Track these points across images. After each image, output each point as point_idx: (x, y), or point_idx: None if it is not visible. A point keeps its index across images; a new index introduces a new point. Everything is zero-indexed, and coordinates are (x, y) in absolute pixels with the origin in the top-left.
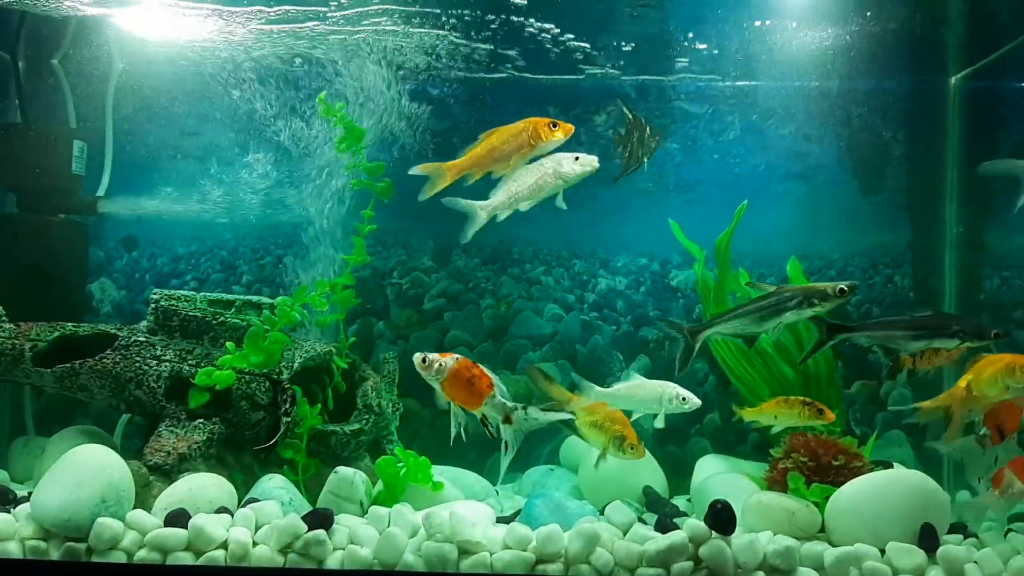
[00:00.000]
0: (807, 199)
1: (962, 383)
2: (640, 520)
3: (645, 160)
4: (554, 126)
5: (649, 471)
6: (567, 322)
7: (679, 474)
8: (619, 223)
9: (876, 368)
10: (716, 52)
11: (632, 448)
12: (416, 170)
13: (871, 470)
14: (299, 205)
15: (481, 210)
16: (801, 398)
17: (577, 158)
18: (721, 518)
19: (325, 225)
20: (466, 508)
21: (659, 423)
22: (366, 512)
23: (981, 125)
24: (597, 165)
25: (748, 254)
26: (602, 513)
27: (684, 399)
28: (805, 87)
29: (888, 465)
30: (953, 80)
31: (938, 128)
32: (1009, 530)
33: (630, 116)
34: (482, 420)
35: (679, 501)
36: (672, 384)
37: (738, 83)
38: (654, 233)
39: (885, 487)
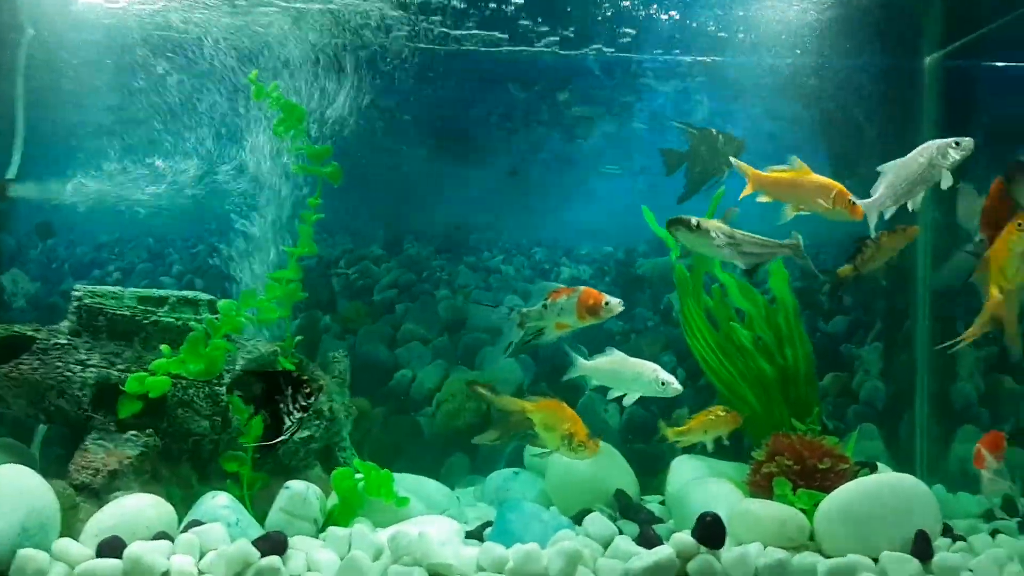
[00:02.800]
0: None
1: (992, 290)
2: (616, 528)
3: (725, 169)
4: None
5: (619, 471)
6: None
7: (648, 471)
8: (583, 209)
9: (848, 360)
10: (686, 28)
11: (582, 446)
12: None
13: (857, 472)
14: (236, 188)
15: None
16: (719, 408)
17: (957, 143)
18: (711, 532)
19: (267, 211)
20: (432, 524)
21: (629, 400)
22: (322, 530)
23: (957, 105)
24: (973, 146)
25: None
26: (578, 523)
27: (664, 383)
28: (777, 65)
29: (872, 466)
30: (928, 60)
31: (913, 108)
32: (995, 530)
33: (694, 131)
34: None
35: (652, 503)
36: (654, 366)
37: (705, 59)
38: (619, 220)
39: (876, 492)
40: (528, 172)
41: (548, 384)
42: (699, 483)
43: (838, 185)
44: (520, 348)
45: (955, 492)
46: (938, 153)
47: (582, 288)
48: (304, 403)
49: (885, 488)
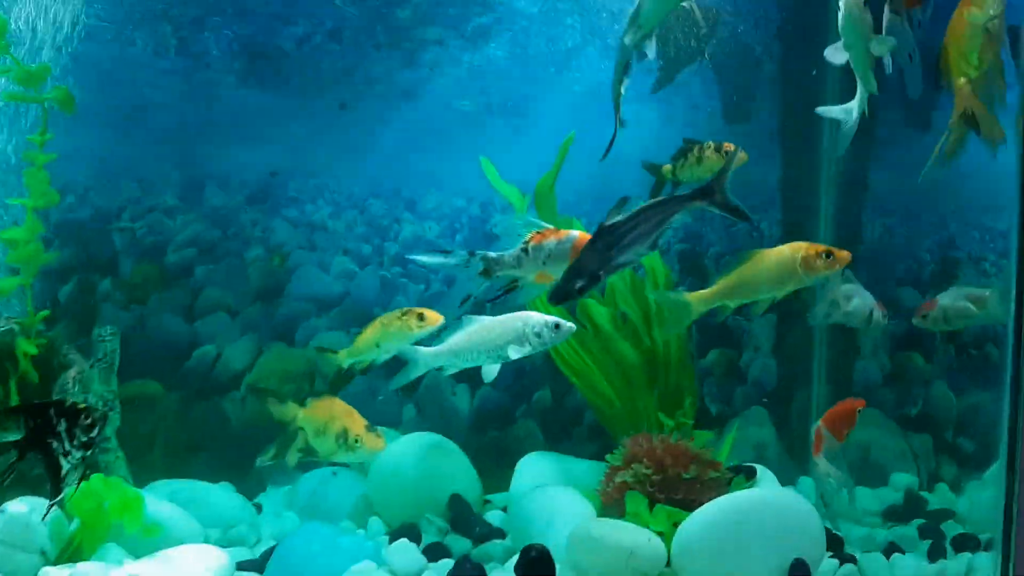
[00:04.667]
0: (661, 126)
1: (958, 81)
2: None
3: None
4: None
5: (457, 470)
6: (361, 279)
7: (500, 465)
8: (429, 153)
9: (736, 335)
10: None
11: (358, 441)
12: None
13: (730, 481)
14: None
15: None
16: (403, 311)
17: None
18: (534, 571)
19: None
20: (186, 556)
21: (489, 375)
22: (55, 562)
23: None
24: None
25: (587, 195)
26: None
27: (557, 326)
28: None
29: (749, 472)
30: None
31: (817, 41)
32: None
33: None
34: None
35: (494, 513)
36: (523, 315)
37: None
38: (473, 167)
39: (747, 511)
40: (362, 107)
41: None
42: (543, 493)
43: (802, 247)
44: (481, 305)
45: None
46: None
47: (576, 233)
48: (85, 438)
49: (757, 506)
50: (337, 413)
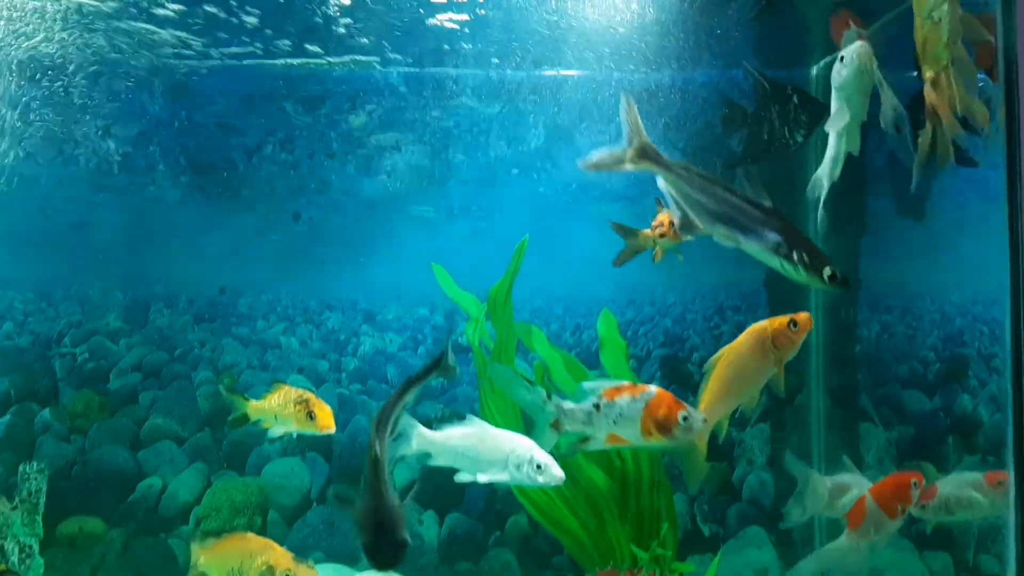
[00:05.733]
0: (634, 225)
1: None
2: None
3: (794, 140)
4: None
5: None
6: (319, 398)
7: None
8: (389, 262)
9: (727, 447)
10: (512, 35)
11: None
12: None
13: None
14: None
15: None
16: (298, 393)
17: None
18: None
19: None
20: None
21: (484, 478)
22: None
23: None
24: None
25: (559, 299)
26: None
27: (540, 466)
28: (631, 79)
29: None
30: (815, 69)
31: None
32: None
33: (764, 83)
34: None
35: None
36: (526, 441)
37: (543, 72)
38: (434, 275)
39: None
40: (316, 217)
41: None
42: None
43: (764, 327)
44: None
45: None
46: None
47: (653, 389)
48: None
49: None
50: (255, 548)
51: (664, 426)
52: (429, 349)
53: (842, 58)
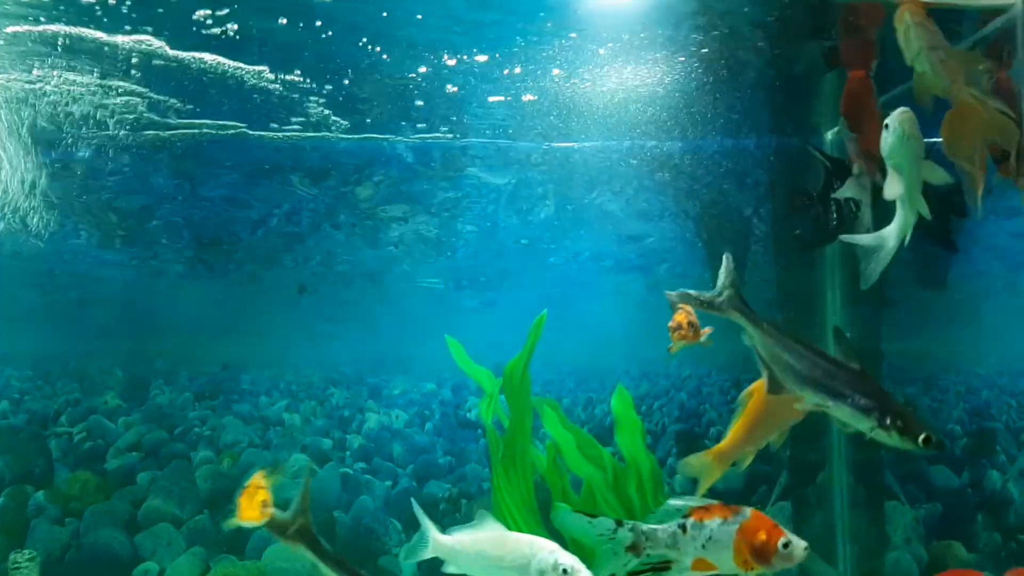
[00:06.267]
0: (646, 296)
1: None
2: None
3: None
4: None
5: None
6: (321, 478)
7: None
8: (395, 336)
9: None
10: (523, 106)
11: None
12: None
13: None
14: None
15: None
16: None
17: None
18: None
19: None
20: None
21: None
22: None
23: None
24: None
25: (569, 373)
26: None
27: (567, 571)
28: (642, 148)
29: None
30: (830, 135)
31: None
32: None
33: (825, 161)
34: None
35: None
36: (548, 543)
37: (553, 144)
38: (444, 348)
39: None
40: (321, 290)
41: None
42: None
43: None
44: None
45: None
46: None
47: (748, 511)
48: None
49: None
50: None
51: (762, 554)
52: (437, 425)
53: (887, 125)
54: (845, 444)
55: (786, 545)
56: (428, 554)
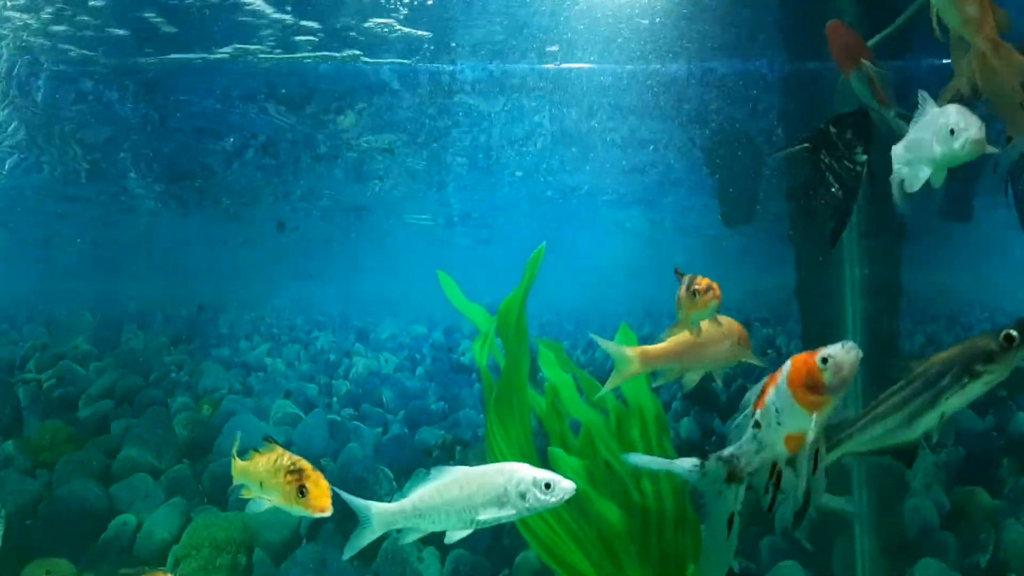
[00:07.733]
0: (649, 233)
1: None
2: None
3: (857, 163)
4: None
5: None
6: (307, 425)
7: None
8: (383, 275)
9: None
10: (517, 24)
11: None
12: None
13: None
14: None
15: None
16: (292, 461)
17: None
18: None
19: None
20: None
21: (452, 536)
22: None
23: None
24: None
25: (568, 314)
26: None
27: (548, 485)
28: (644, 71)
29: None
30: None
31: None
32: None
33: (805, 143)
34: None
35: None
36: (520, 465)
37: (546, 66)
38: (435, 288)
39: None
40: (302, 227)
41: None
42: None
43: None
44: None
45: None
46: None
47: (787, 363)
48: None
49: None
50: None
51: (814, 384)
52: (428, 370)
53: (952, 131)
54: (862, 385)
55: (825, 360)
56: (377, 532)
